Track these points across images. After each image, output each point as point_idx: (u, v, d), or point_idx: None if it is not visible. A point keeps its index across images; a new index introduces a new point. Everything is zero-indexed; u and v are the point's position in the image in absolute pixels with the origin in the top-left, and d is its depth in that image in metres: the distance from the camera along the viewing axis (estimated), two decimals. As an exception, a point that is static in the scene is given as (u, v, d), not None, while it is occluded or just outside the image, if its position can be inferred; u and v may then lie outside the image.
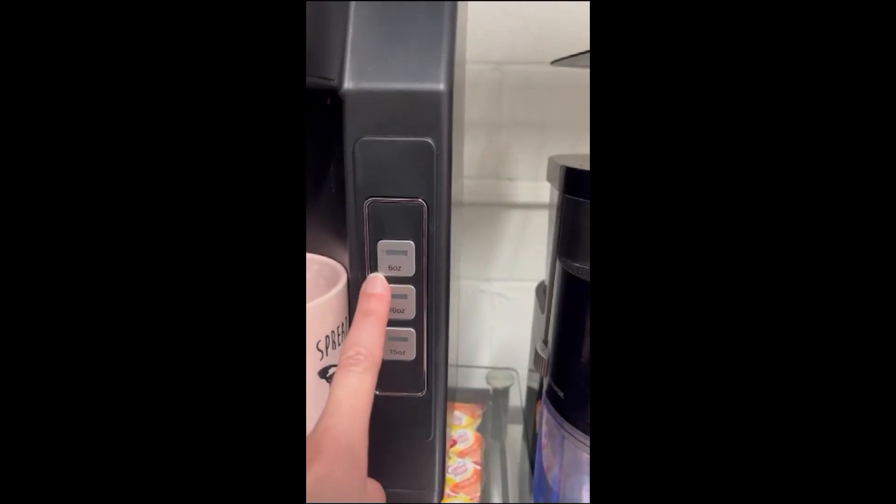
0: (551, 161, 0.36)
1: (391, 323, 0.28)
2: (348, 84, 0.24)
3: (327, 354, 0.26)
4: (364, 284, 0.26)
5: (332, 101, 0.28)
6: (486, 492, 0.39)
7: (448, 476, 0.38)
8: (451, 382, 0.33)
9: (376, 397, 0.29)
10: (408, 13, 0.25)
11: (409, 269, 0.27)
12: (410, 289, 0.27)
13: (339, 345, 0.27)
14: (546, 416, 0.34)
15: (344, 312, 0.28)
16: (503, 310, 0.61)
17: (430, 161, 0.25)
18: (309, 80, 0.22)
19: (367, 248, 0.27)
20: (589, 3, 0.20)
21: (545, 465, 0.37)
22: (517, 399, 0.51)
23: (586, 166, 0.29)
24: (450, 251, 0.27)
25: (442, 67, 0.25)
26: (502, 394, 0.51)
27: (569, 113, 0.52)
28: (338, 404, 0.21)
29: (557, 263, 0.30)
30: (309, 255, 0.32)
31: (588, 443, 0.29)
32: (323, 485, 0.19)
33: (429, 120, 0.25)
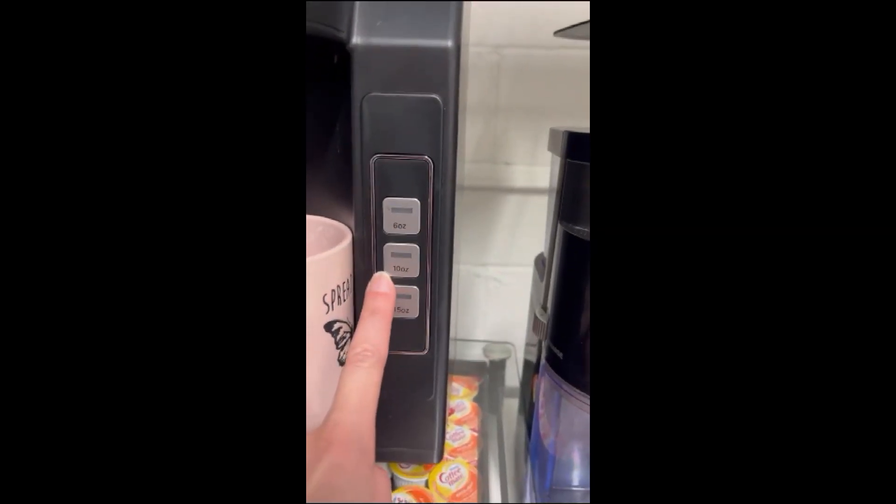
0: (552, 130, 0.37)
1: (396, 281, 0.28)
2: (357, 39, 0.25)
3: (332, 309, 0.26)
4: (370, 284, 0.27)
5: (339, 59, 0.28)
6: (483, 456, 0.40)
7: (446, 441, 0.39)
8: (450, 349, 0.33)
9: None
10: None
11: (413, 227, 0.27)
12: (414, 247, 0.28)
13: (343, 300, 0.27)
14: (545, 380, 0.34)
15: (349, 269, 0.28)
16: (498, 294, 0.62)
17: (437, 118, 0.25)
18: (318, 28, 0.22)
19: (372, 206, 0.27)
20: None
21: (542, 431, 0.38)
22: (513, 376, 0.52)
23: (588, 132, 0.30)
24: (454, 210, 0.28)
25: (450, 24, 0.25)
26: (499, 366, 0.52)
27: (567, 98, 0.52)
28: (346, 398, 0.22)
29: (559, 227, 0.31)
30: (313, 217, 0.32)
31: (585, 400, 0.30)
32: (335, 474, 0.20)
33: (436, 76, 0.25)
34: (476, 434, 0.42)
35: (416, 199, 0.27)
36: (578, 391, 0.30)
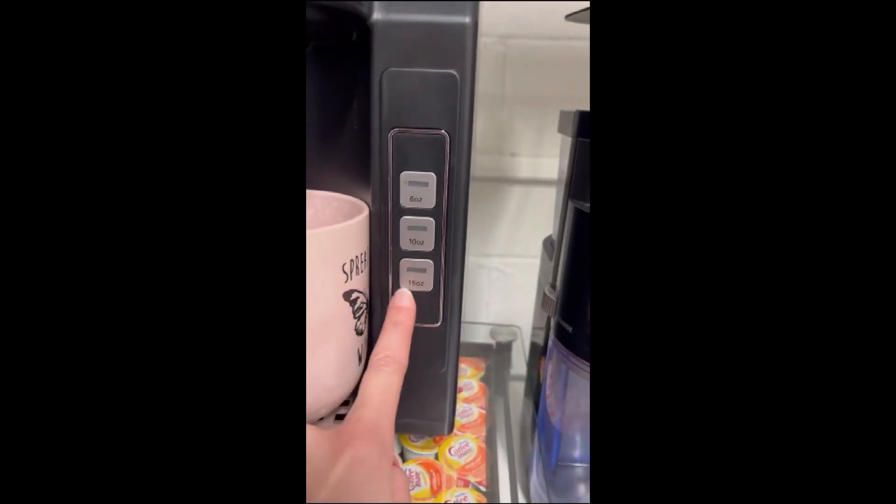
0: (563, 112, 0.37)
1: (411, 255, 0.29)
2: (377, 14, 0.25)
3: (351, 278, 0.27)
4: (392, 299, 0.29)
5: (357, 36, 0.29)
6: (490, 432, 0.41)
7: (455, 418, 0.40)
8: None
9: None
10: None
11: (429, 200, 0.28)
12: (430, 221, 0.28)
13: (361, 271, 0.28)
14: (553, 358, 0.35)
15: (366, 242, 0.29)
16: (500, 285, 0.62)
17: (454, 93, 0.26)
18: (340, 3, 0.23)
19: (389, 180, 0.28)
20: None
21: (549, 410, 0.39)
22: (519, 360, 0.53)
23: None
24: (468, 186, 0.29)
25: (468, 1, 0.25)
26: (505, 348, 0.53)
27: (571, 89, 0.52)
28: (369, 397, 0.24)
29: (570, 204, 0.32)
30: (330, 193, 0.32)
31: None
32: (357, 467, 0.21)
33: (454, 52, 0.26)
34: (484, 412, 0.42)
35: (432, 174, 0.27)
36: (586, 363, 0.31)
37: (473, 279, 0.62)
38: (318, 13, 0.25)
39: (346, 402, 0.32)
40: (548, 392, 0.38)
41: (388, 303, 0.30)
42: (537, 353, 0.45)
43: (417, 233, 0.29)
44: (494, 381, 0.49)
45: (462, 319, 0.32)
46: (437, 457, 0.37)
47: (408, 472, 0.35)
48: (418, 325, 0.30)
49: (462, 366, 0.49)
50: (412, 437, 0.38)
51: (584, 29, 0.49)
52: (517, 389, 0.49)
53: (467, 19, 0.25)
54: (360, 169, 0.33)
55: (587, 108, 0.28)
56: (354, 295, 0.28)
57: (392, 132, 0.27)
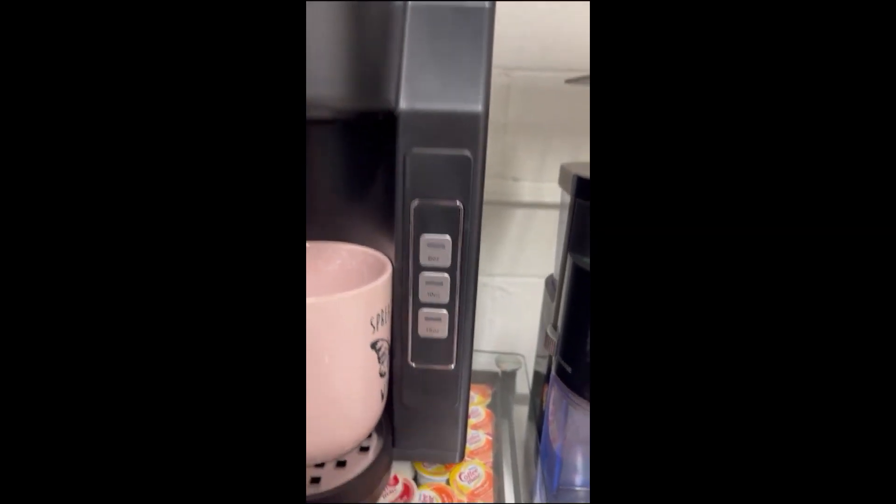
0: (563, 169, 0.41)
1: (429, 305, 0.33)
2: (403, 105, 0.29)
3: (377, 329, 0.31)
4: None
5: (383, 117, 0.33)
6: (497, 458, 0.44)
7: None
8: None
9: (415, 369, 0.34)
10: (453, 47, 0.30)
11: (445, 259, 0.32)
12: (446, 277, 0.32)
13: (384, 322, 0.32)
14: (555, 390, 0.39)
15: (389, 296, 0.33)
16: (503, 303, 0.65)
17: (468, 170, 0.30)
18: (373, 105, 0.27)
19: (411, 241, 0.32)
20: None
21: (551, 437, 0.42)
22: (522, 385, 0.57)
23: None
24: (479, 246, 0.32)
25: (480, 93, 0.29)
26: (510, 376, 0.56)
27: (572, 118, 0.56)
28: None
29: (568, 258, 0.35)
30: (355, 247, 0.36)
31: (589, 408, 0.35)
32: None
33: (468, 136, 0.30)
34: (490, 438, 0.46)
35: (448, 236, 0.31)
36: (584, 401, 0.35)
37: (478, 298, 0.65)
38: (350, 107, 0.30)
39: (370, 436, 0.36)
40: (550, 419, 0.42)
41: (407, 348, 0.34)
42: (540, 380, 0.48)
43: (434, 287, 0.32)
44: (500, 406, 0.52)
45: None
46: (448, 482, 0.41)
47: (422, 497, 0.39)
48: (434, 367, 0.34)
49: (470, 393, 0.52)
50: (425, 464, 0.42)
51: (584, 62, 0.54)
52: (521, 413, 0.53)
53: (479, 108, 0.29)
54: (385, 225, 0.37)
55: (584, 134, 0.31)
56: (379, 343, 0.32)
57: (414, 202, 0.31)
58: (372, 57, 0.27)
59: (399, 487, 0.39)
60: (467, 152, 0.30)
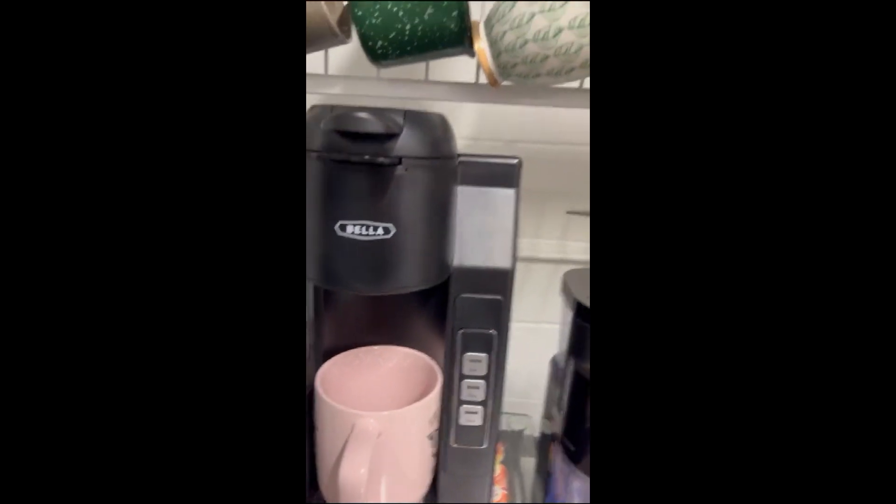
0: (566, 288, 0.53)
1: (469, 403, 0.44)
2: (455, 263, 0.41)
3: (433, 424, 0.42)
4: None
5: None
6: (513, 509, 0.55)
7: (486, 498, 0.54)
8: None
9: (455, 449, 0.45)
10: (490, 224, 0.41)
11: (482, 370, 0.43)
12: (482, 383, 0.44)
13: (437, 418, 0.43)
14: (559, 460, 0.50)
15: (440, 400, 0.44)
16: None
17: (500, 309, 0.42)
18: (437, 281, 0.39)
19: (457, 358, 0.43)
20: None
21: (556, 491, 0.53)
22: (529, 440, 0.67)
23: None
24: (507, 359, 0.44)
25: (510, 254, 0.41)
26: (518, 435, 0.68)
27: (566, 182, 0.65)
28: None
29: (570, 362, 0.47)
30: (410, 350, 0.48)
31: (589, 479, 0.46)
32: None
33: (501, 285, 0.41)
34: (506, 492, 0.57)
35: (485, 354, 0.43)
36: (587, 477, 0.46)
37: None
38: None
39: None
40: (556, 477, 0.53)
41: (450, 433, 0.45)
42: (546, 440, 0.59)
43: (473, 390, 0.44)
44: (511, 461, 0.63)
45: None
46: (476, 531, 0.51)
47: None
48: (469, 447, 0.45)
49: (486, 450, 0.63)
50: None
51: (580, 135, 0.64)
52: (527, 466, 0.64)
53: (508, 265, 0.41)
54: (432, 333, 0.48)
55: (577, 195, 0.39)
56: (433, 433, 0.43)
57: (460, 332, 0.42)
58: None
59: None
60: (500, 297, 0.41)
